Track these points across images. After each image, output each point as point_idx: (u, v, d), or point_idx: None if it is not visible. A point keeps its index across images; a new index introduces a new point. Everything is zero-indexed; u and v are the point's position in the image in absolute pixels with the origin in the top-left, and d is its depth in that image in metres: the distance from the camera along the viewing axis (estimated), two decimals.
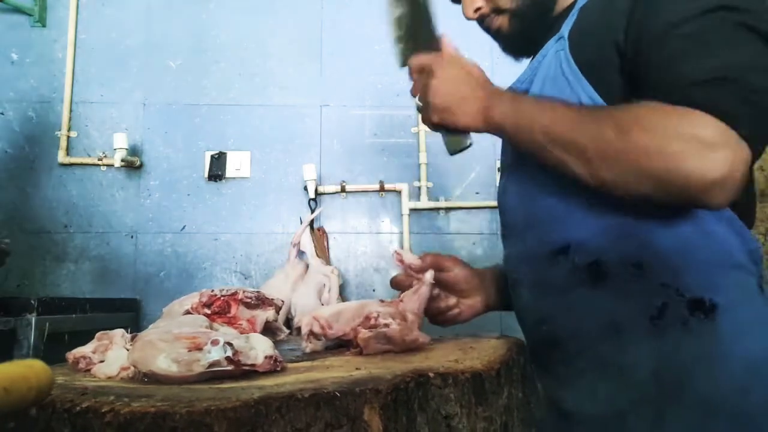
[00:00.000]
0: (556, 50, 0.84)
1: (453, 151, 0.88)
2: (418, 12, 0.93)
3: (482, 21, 0.96)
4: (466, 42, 1.03)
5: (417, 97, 0.87)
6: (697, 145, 0.63)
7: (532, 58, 0.98)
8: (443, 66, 0.84)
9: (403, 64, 0.92)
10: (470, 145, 0.87)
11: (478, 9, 0.94)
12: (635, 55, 0.74)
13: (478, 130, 0.83)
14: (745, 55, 0.67)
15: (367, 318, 0.76)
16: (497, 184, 1.04)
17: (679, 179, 0.64)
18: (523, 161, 0.88)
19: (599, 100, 0.77)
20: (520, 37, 0.95)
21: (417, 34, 0.93)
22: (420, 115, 0.88)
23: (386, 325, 0.73)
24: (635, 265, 0.76)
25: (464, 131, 0.85)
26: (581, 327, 0.81)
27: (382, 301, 0.83)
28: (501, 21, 0.94)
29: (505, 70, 1.00)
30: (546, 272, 0.84)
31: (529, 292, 0.88)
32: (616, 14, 0.77)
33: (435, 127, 0.87)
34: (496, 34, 0.97)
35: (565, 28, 0.84)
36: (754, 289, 0.76)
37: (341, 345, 0.79)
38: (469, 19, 0.96)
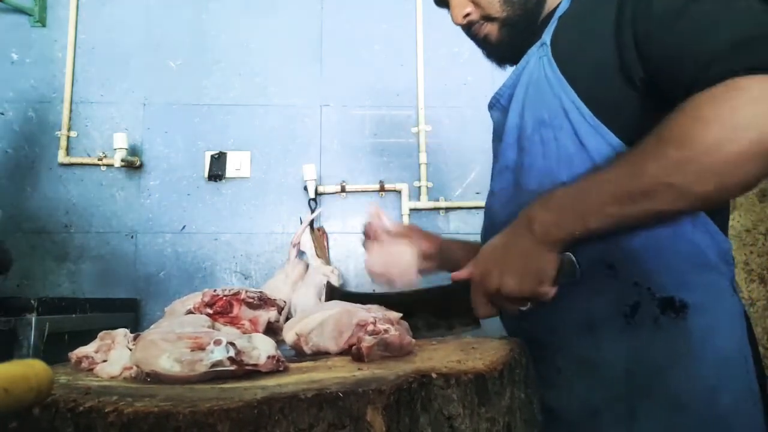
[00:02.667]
0: (539, 56, 0.85)
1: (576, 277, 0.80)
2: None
3: (469, 27, 0.96)
4: (466, 46, 1.02)
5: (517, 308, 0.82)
6: (765, 102, 0.60)
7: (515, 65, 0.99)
8: (481, 273, 0.80)
9: (473, 319, 0.87)
10: (578, 269, 0.77)
11: (467, 15, 0.94)
12: (645, 45, 0.73)
13: (563, 253, 0.77)
14: (757, 12, 0.66)
15: (360, 325, 0.75)
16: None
17: None
18: (508, 168, 0.91)
19: (581, 104, 0.78)
20: (507, 46, 0.95)
21: (443, 308, 0.87)
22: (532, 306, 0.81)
23: (385, 331, 0.72)
24: (608, 265, 0.79)
25: (558, 271, 0.77)
26: (559, 326, 0.83)
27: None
28: (490, 29, 0.94)
29: (504, 70, 1.00)
30: None
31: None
32: (604, 17, 0.78)
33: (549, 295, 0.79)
34: (482, 41, 0.97)
35: (546, 35, 0.86)
36: (726, 290, 0.78)
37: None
38: (457, 24, 0.96)
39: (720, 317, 0.76)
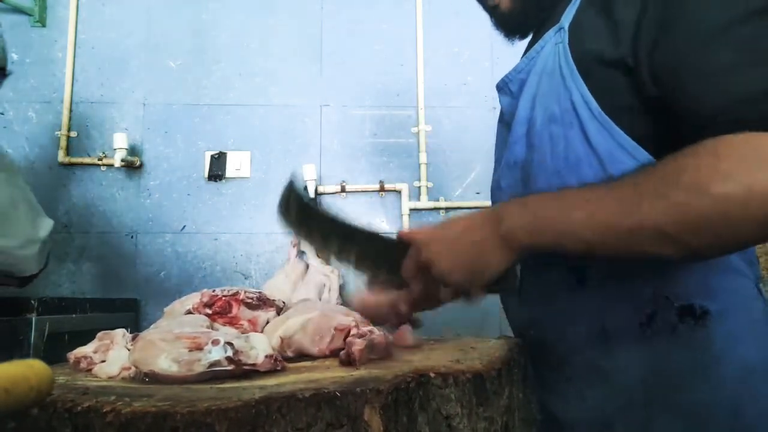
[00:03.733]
0: (555, 42, 0.80)
1: (514, 290, 0.79)
2: (362, 240, 0.82)
3: None
4: (466, 46, 1.03)
5: (441, 288, 0.78)
6: None
7: (528, 46, 0.94)
8: (429, 246, 0.74)
9: (396, 278, 0.80)
10: (518, 283, 0.76)
11: None
12: (662, 65, 0.66)
13: (516, 262, 0.73)
14: None
15: (339, 330, 0.74)
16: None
17: None
18: (517, 164, 0.86)
19: (591, 100, 0.73)
20: (518, 16, 0.89)
21: (382, 251, 0.81)
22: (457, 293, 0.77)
23: (370, 332, 0.72)
24: (624, 272, 0.74)
25: (505, 273, 0.73)
26: (569, 332, 0.79)
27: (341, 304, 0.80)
28: None
29: (504, 70, 1.00)
30: (532, 277, 0.83)
31: (515, 297, 0.86)
32: (626, 10, 0.70)
33: (485, 292, 0.76)
34: (492, 9, 0.92)
35: (566, 19, 0.79)
36: (751, 294, 0.74)
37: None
38: None
39: (743, 324, 0.71)
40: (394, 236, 0.80)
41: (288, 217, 0.85)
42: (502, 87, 0.92)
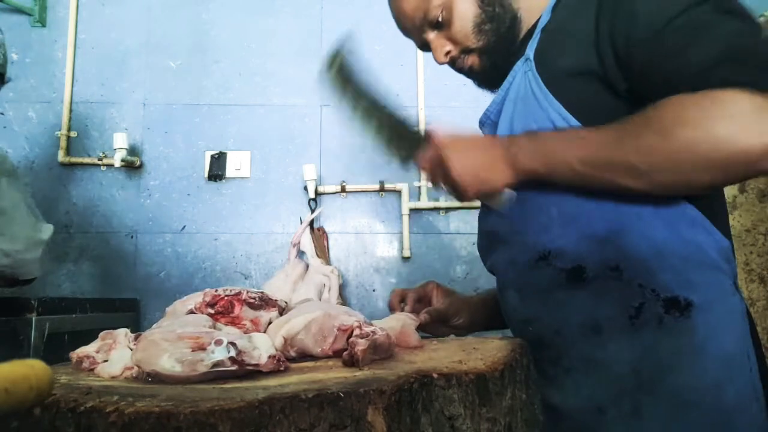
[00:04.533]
0: (524, 71, 0.87)
1: (504, 208, 0.88)
2: (386, 118, 0.94)
3: (453, 63, 0.99)
4: None
5: (442, 186, 0.88)
6: (741, 119, 0.66)
7: None
8: (449, 147, 0.84)
9: (404, 161, 0.94)
10: (514, 196, 0.86)
11: (447, 53, 0.97)
12: (627, 58, 0.76)
13: (513, 184, 0.83)
14: (737, 30, 0.71)
15: (342, 330, 0.74)
16: None
17: (739, 158, 0.66)
18: None
19: (568, 116, 0.80)
20: (492, 71, 0.97)
21: (401, 134, 0.93)
22: (455, 193, 0.87)
23: (373, 332, 0.72)
24: (613, 268, 0.80)
25: (503, 190, 0.85)
26: (564, 327, 0.84)
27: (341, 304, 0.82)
28: (472, 60, 0.97)
29: None
30: (530, 276, 0.87)
31: (515, 294, 0.91)
32: (581, 22, 0.80)
33: (476, 199, 0.87)
34: (469, 73, 1.00)
35: (530, 50, 0.88)
36: (728, 288, 0.80)
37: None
38: (440, 63, 1.00)
39: (722, 315, 0.78)
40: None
41: (329, 74, 1.00)
42: (484, 121, 1.00)
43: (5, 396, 0.37)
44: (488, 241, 0.99)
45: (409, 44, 1.07)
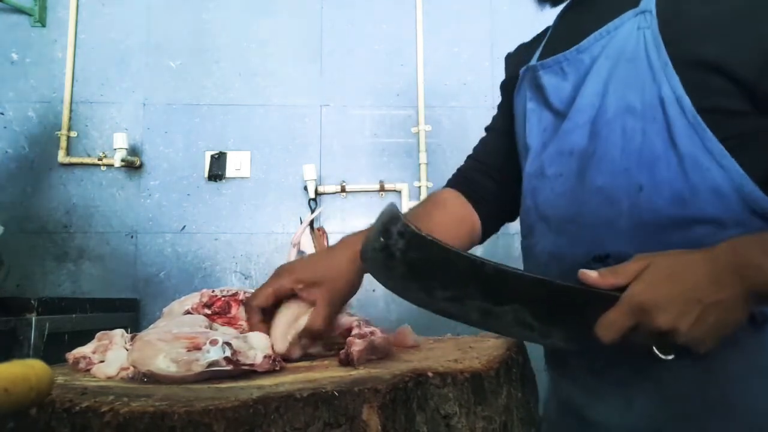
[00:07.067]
0: (638, 26, 0.72)
1: None
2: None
3: None
4: (466, 46, 1.03)
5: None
6: None
7: (551, 29, 0.88)
8: (654, 296, 0.60)
9: (566, 343, 0.66)
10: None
11: None
12: None
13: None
14: None
15: (344, 329, 0.74)
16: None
17: None
18: (573, 153, 0.78)
19: (681, 92, 0.67)
20: None
21: (548, 309, 0.63)
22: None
23: (372, 333, 0.72)
24: None
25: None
26: None
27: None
28: None
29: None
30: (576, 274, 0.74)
31: None
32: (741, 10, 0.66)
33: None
34: None
35: (648, 2, 0.72)
36: None
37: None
38: None
39: None
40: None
41: (388, 262, 0.61)
42: (552, 66, 0.83)
43: (5, 396, 0.37)
44: (529, 220, 0.85)
45: (409, 44, 1.06)
